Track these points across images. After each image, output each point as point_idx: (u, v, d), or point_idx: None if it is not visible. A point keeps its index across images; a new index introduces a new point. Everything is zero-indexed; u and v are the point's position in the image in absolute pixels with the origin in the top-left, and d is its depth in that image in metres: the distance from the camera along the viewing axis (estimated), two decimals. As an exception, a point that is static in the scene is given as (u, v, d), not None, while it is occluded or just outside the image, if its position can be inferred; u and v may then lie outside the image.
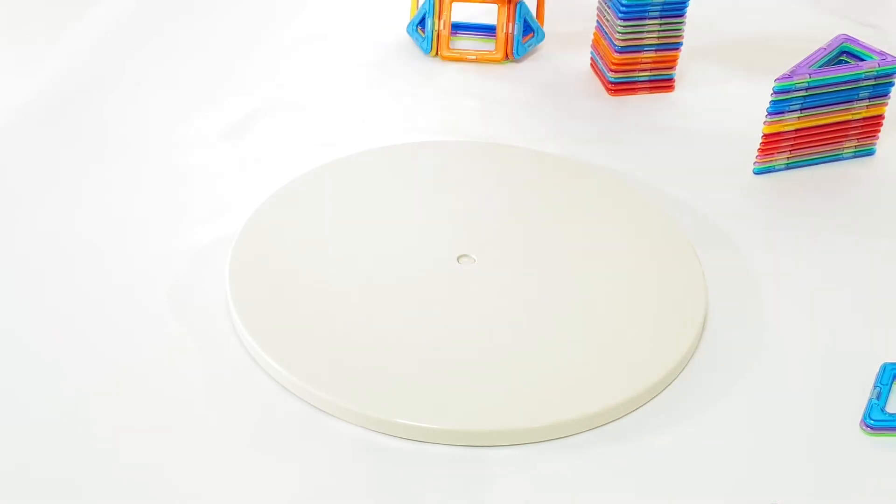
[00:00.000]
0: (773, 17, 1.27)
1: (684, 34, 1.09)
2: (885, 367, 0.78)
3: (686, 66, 1.14)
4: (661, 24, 1.08)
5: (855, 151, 1.02)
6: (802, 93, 0.96)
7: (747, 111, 1.02)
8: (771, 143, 0.98)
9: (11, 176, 0.96)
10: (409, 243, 0.88)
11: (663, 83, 1.12)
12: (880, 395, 0.76)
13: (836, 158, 1.01)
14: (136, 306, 0.83)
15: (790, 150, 0.99)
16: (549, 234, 0.90)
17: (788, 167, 1.00)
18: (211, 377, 0.77)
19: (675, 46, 1.10)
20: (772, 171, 1.00)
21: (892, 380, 0.77)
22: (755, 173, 0.99)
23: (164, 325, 0.81)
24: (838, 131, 0.99)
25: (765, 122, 0.97)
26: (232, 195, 0.94)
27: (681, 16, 1.08)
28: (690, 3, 1.08)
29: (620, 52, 1.09)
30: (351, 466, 0.72)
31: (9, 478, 0.70)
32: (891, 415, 0.75)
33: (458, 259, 0.86)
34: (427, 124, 1.06)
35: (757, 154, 0.99)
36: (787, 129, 0.98)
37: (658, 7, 1.07)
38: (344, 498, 0.70)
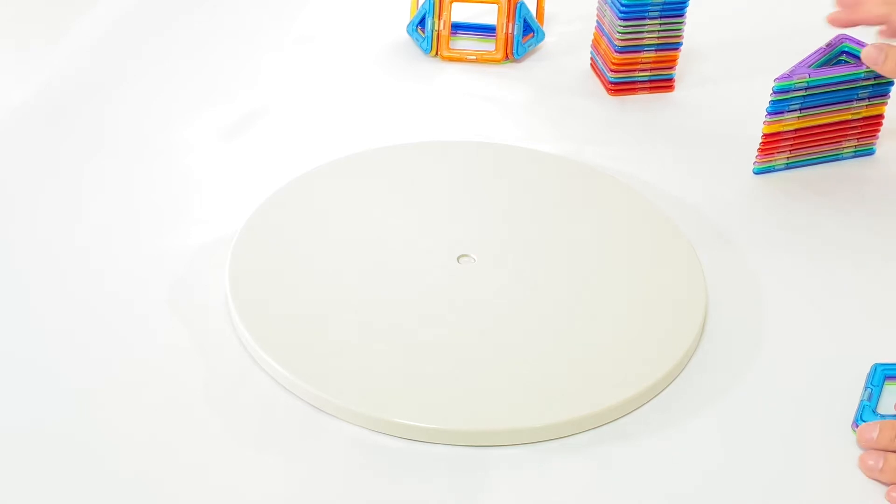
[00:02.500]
0: (773, 16, 1.27)
1: (684, 34, 1.09)
2: (875, 367, 0.78)
3: (686, 66, 1.14)
4: (661, 24, 1.08)
5: (855, 151, 1.01)
6: (802, 92, 0.96)
7: (747, 111, 1.02)
8: (770, 143, 0.98)
9: (11, 176, 0.96)
10: (408, 243, 0.88)
11: (663, 83, 1.12)
12: (871, 396, 0.76)
13: (835, 158, 1.01)
14: (135, 306, 0.83)
15: (790, 150, 0.99)
16: (549, 234, 0.90)
17: (788, 167, 1.00)
18: (211, 377, 0.77)
19: (675, 46, 1.10)
20: (772, 171, 1.00)
21: (883, 381, 0.77)
22: (755, 173, 0.99)
23: (164, 325, 0.81)
24: (838, 131, 0.99)
25: (764, 122, 0.97)
26: (232, 195, 0.94)
27: (681, 16, 1.08)
28: (690, 3, 1.08)
29: (620, 52, 1.09)
30: (350, 466, 0.72)
31: (8, 483, 0.70)
32: (882, 416, 0.74)
33: (458, 259, 0.86)
34: (427, 124, 1.06)
35: (757, 154, 0.99)
36: (786, 128, 0.98)
37: (658, 7, 1.07)
38: (343, 498, 0.70)
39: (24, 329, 0.81)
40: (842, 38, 0.99)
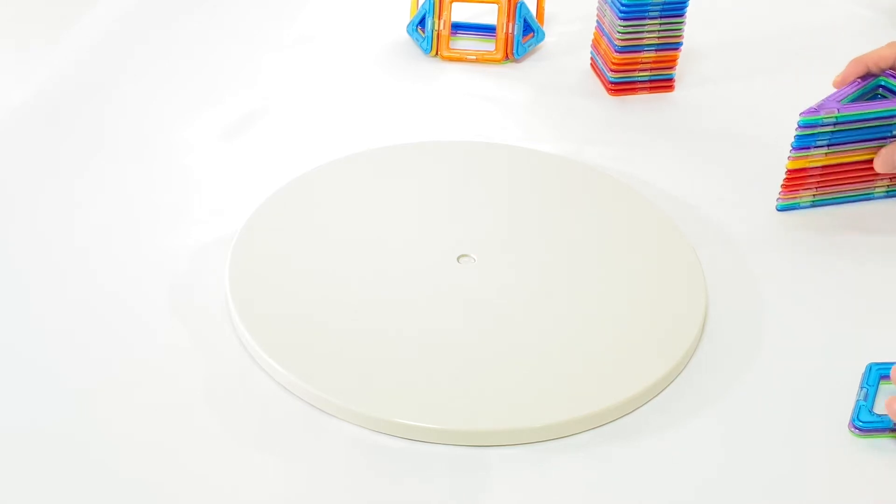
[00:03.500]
0: (773, 16, 1.27)
1: (684, 34, 1.09)
2: (870, 367, 0.78)
3: (686, 66, 1.14)
4: (661, 24, 1.08)
5: (887, 191, 0.95)
6: (830, 128, 0.90)
7: (747, 111, 1.02)
8: (795, 180, 0.93)
9: (11, 176, 0.96)
10: (408, 243, 0.88)
11: (663, 83, 1.12)
12: (867, 396, 0.75)
13: (867, 198, 0.95)
14: (135, 306, 0.83)
15: (816, 188, 0.93)
16: (549, 234, 0.90)
17: (815, 205, 0.94)
18: (211, 377, 0.77)
19: (675, 46, 1.10)
20: (796, 209, 0.94)
21: (879, 380, 0.77)
22: (778, 210, 0.94)
23: (164, 325, 0.81)
24: (870, 169, 0.93)
25: (789, 158, 0.92)
26: (232, 195, 0.94)
27: (681, 16, 1.08)
28: (690, 3, 1.08)
29: (620, 52, 1.09)
30: (351, 466, 0.72)
31: (8, 483, 0.70)
32: (878, 416, 0.74)
33: (458, 259, 0.86)
34: (427, 124, 1.06)
35: (780, 190, 0.94)
36: (812, 164, 0.92)
37: (658, 7, 1.07)
38: (344, 498, 0.70)
39: (24, 329, 0.81)
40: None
